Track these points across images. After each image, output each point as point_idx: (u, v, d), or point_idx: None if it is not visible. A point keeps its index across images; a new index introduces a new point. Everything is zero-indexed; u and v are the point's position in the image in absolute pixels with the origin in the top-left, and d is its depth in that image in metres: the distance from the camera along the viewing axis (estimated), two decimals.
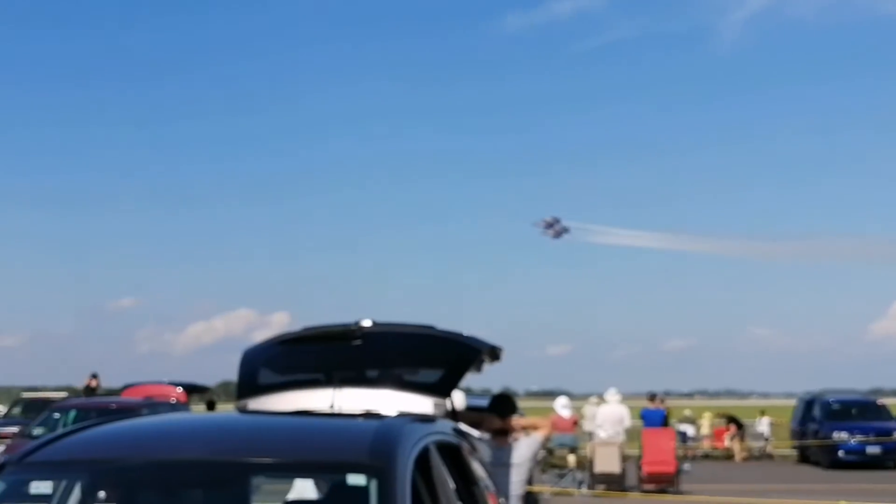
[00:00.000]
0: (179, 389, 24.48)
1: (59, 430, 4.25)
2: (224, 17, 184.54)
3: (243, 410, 5.49)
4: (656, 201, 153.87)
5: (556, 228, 50.73)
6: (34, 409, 28.81)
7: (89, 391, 29.53)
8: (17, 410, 32.46)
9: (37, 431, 19.16)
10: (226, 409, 25.01)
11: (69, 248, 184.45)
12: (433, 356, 5.74)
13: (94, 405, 20.11)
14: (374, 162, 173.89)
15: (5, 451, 17.91)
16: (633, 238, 61.39)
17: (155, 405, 18.91)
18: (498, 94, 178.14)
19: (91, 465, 3.97)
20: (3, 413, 34.70)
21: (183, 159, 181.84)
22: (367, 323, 5.72)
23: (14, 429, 25.50)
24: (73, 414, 19.59)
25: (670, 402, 32.80)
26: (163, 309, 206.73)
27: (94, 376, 30.24)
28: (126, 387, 25.57)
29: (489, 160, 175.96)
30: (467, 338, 5.87)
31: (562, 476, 21.83)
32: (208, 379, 31.41)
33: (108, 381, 31.59)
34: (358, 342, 5.66)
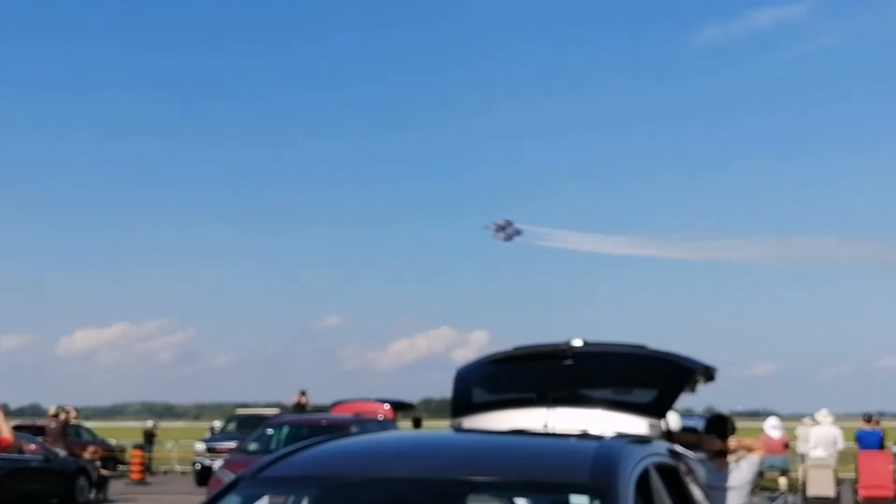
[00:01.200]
0: (387, 406, 24.94)
1: (292, 447, 4.39)
2: (419, 29, 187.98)
3: (458, 429, 5.57)
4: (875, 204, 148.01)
5: (507, 231, 49.54)
6: (248, 424, 29.84)
7: (299, 408, 30.47)
8: (231, 426, 33.64)
9: (252, 447, 19.76)
10: (429, 426, 25.31)
11: (278, 269, 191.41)
12: (647, 376, 5.69)
13: (306, 421, 20.64)
14: (566, 175, 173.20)
15: (224, 466, 18.66)
16: (586, 242, 58.92)
17: (363, 422, 19.32)
18: (692, 100, 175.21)
19: (319, 481, 4.08)
20: (219, 429, 36.14)
21: (384, 177, 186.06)
22: (578, 342, 5.72)
23: (231, 444, 26.57)
24: (286, 430, 20.06)
25: (885, 423, 31.38)
26: (367, 327, 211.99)
27: (303, 393, 31.21)
28: (335, 403, 26.19)
29: (685, 166, 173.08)
30: (681, 357, 5.80)
31: (773, 499, 21.21)
32: (411, 396, 31.96)
33: (314, 398, 32.57)
34: (569, 362, 5.68)
